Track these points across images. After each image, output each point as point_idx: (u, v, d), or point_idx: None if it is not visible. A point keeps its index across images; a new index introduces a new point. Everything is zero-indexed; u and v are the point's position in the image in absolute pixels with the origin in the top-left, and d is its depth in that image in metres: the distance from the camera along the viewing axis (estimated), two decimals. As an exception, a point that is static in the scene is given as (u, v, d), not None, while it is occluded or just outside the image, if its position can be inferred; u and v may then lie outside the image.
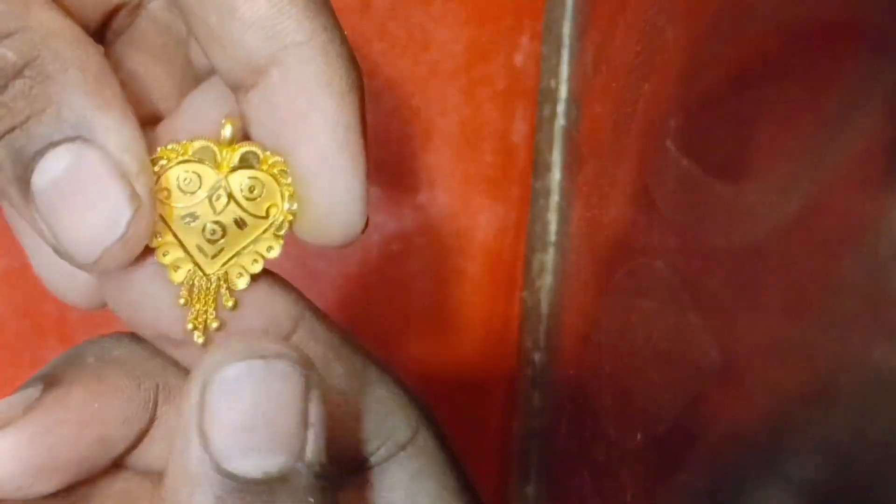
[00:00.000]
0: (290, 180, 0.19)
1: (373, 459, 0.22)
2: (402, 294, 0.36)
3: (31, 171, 0.17)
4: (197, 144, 0.19)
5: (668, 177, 0.24)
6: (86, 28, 0.22)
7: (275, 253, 0.19)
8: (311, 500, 0.18)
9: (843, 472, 0.16)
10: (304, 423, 0.18)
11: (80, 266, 0.18)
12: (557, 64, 0.35)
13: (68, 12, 0.21)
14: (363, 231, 0.19)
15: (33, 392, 0.20)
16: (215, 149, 0.19)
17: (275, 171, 0.19)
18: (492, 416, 0.36)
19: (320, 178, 0.18)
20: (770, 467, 0.18)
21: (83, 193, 0.17)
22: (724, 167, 0.21)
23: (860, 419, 0.15)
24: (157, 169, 0.19)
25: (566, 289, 0.34)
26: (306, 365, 0.18)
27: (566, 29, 0.35)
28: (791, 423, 0.17)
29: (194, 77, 0.23)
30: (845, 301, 0.16)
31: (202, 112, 0.20)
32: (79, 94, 0.17)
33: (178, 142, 0.19)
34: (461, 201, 0.36)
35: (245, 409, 0.17)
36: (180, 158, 0.19)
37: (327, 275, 0.22)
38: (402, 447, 0.22)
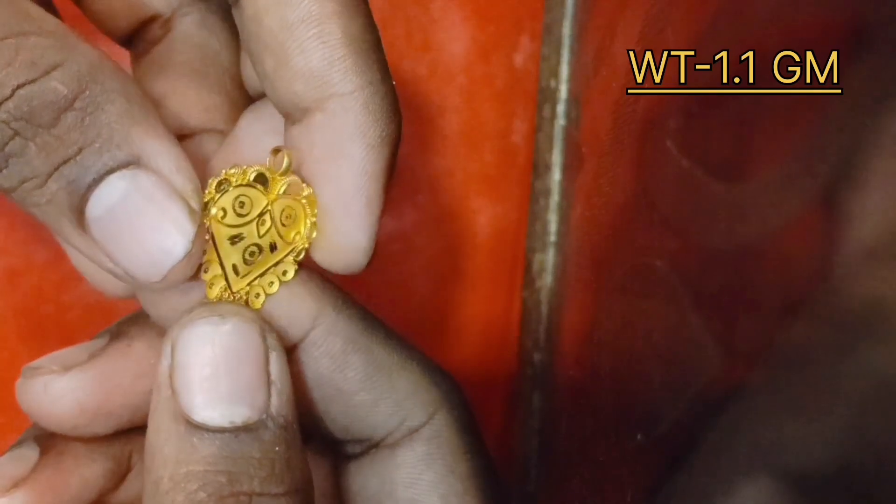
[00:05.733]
0: (315, 210, 0.21)
1: (387, 440, 0.23)
2: (402, 294, 0.36)
3: (86, 200, 0.18)
4: (254, 170, 0.20)
5: (668, 177, 0.24)
6: (115, 36, 0.23)
7: (289, 277, 0.21)
8: (278, 449, 0.19)
9: (843, 472, 0.16)
10: (266, 379, 0.19)
11: (144, 286, 0.19)
12: (557, 64, 0.35)
13: (98, 19, 0.22)
14: (366, 266, 0.21)
15: (100, 342, 0.22)
16: (270, 176, 0.21)
17: (304, 201, 0.21)
18: (492, 416, 0.36)
19: (336, 215, 0.20)
20: (769, 467, 0.18)
21: (143, 217, 0.18)
22: (724, 167, 0.21)
23: (860, 419, 0.15)
24: (220, 189, 0.20)
25: (566, 289, 0.34)
26: (264, 326, 0.20)
27: (566, 29, 0.35)
28: (791, 423, 0.17)
29: (240, 89, 0.24)
30: (844, 300, 0.16)
31: (258, 136, 0.22)
32: (127, 121, 0.18)
33: (239, 166, 0.20)
34: (461, 201, 0.36)
35: (208, 363, 0.19)
36: (240, 182, 0.20)
37: (327, 275, 0.22)
38: (415, 431, 0.23)
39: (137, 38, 0.23)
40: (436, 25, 0.36)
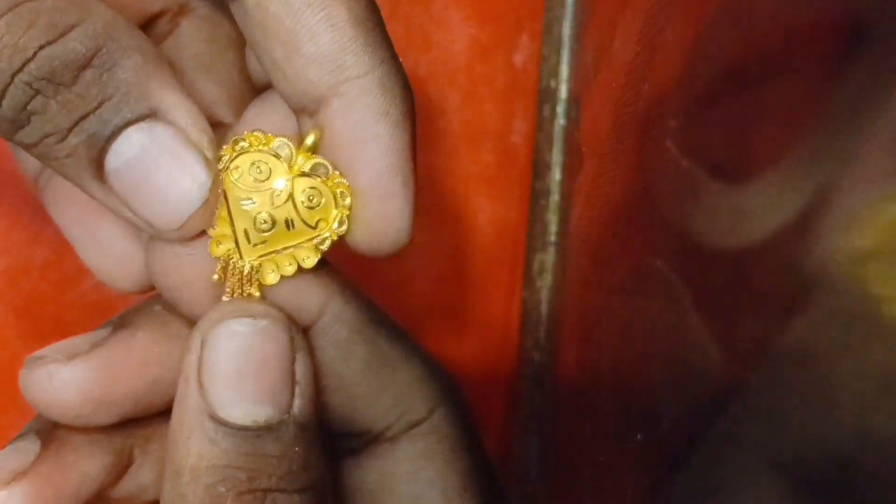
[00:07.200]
0: (348, 202, 0.20)
1: (387, 434, 0.23)
2: (402, 294, 0.36)
3: (105, 153, 0.19)
4: (278, 140, 0.20)
5: (668, 177, 0.24)
6: None
7: (310, 263, 0.21)
8: (297, 449, 0.19)
9: (843, 472, 0.16)
10: (291, 379, 0.20)
11: (163, 235, 0.20)
12: (557, 64, 0.35)
13: None
14: (407, 243, 0.21)
15: (103, 332, 0.22)
16: (293, 150, 0.20)
17: (337, 190, 0.20)
18: (492, 416, 0.36)
19: (375, 198, 0.20)
20: (770, 467, 0.18)
21: (161, 167, 0.19)
22: (724, 167, 0.21)
23: (861, 419, 0.15)
24: (237, 148, 0.20)
25: (566, 289, 0.34)
26: (292, 327, 0.20)
27: (566, 29, 0.35)
28: (791, 423, 0.17)
29: (246, 83, 0.24)
30: (844, 300, 0.16)
31: (264, 126, 0.22)
32: (144, 76, 0.19)
33: (263, 132, 0.20)
34: (461, 201, 0.36)
35: (236, 362, 0.19)
36: (260, 147, 0.20)
37: (335, 263, 0.22)
38: (416, 425, 0.23)
39: (145, 34, 0.23)
40: (436, 25, 0.36)
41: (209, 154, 0.19)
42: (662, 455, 0.23)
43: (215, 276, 0.20)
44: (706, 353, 0.21)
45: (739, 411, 0.19)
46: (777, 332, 0.18)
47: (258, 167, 0.20)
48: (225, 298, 0.21)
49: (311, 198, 0.20)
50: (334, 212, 0.20)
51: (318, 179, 0.20)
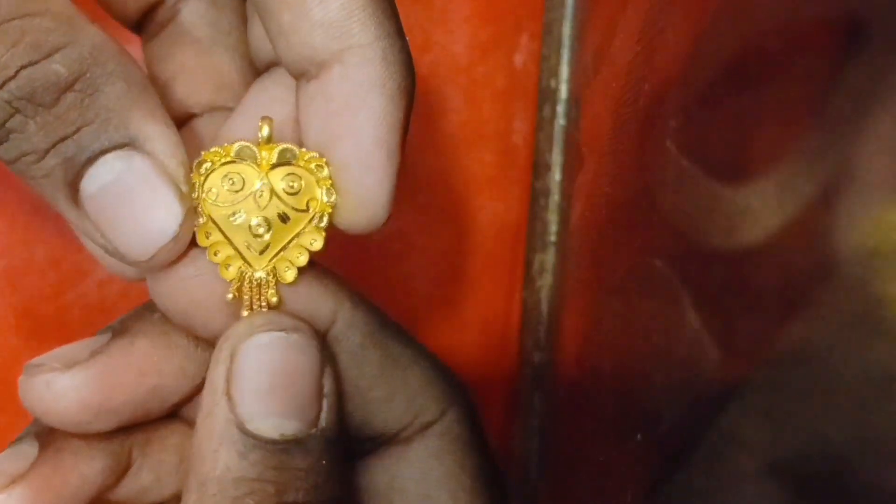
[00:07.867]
0: (326, 173, 0.20)
1: (399, 436, 0.23)
2: (402, 294, 0.36)
3: (81, 177, 0.19)
4: (237, 146, 0.20)
5: (668, 177, 0.24)
6: (125, 20, 0.24)
7: (318, 245, 0.21)
8: (324, 462, 0.19)
9: (843, 472, 0.16)
10: (319, 393, 0.20)
11: (132, 263, 0.20)
12: (557, 64, 0.35)
13: (108, 4, 0.22)
14: (385, 222, 0.21)
15: (102, 339, 0.22)
16: (255, 148, 0.20)
17: (311, 165, 0.20)
18: (492, 416, 0.36)
19: (356, 169, 0.20)
20: (770, 467, 0.18)
21: (135, 197, 0.19)
22: (724, 167, 0.21)
23: (860, 419, 0.15)
24: (202, 171, 0.20)
25: (566, 289, 0.34)
26: (321, 341, 0.20)
27: (566, 29, 0.35)
28: (791, 423, 0.17)
29: (249, 67, 0.24)
30: (845, 299, 0.16)
31: (265, 106, 0.22)
32: (126, 104, 0.19)
33: (219, 145, 0.20)
34: (461, 201, 0.36)
35: (267, 376, 0.19)
36: (223, 160, 0.20)
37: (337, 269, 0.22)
38: (427, 426, 0.23)
39: (147, 21, 0.24)
40: (436, 25, 0.36)
41: (184, 187, 0.19)
42: (662, 455, 0.23)
43: (229, 296, 0.20)
44: (706, 352, 0.21)
45: (739, 411, 0.19)
46: (777, 332, 0.18)
47: (230, 179, 0.20)
48: (244, 313, 0.20)
49: (291, 184, 0.20)
50: (317, 186, 0.20)
51: (291, 164, 0.20)
